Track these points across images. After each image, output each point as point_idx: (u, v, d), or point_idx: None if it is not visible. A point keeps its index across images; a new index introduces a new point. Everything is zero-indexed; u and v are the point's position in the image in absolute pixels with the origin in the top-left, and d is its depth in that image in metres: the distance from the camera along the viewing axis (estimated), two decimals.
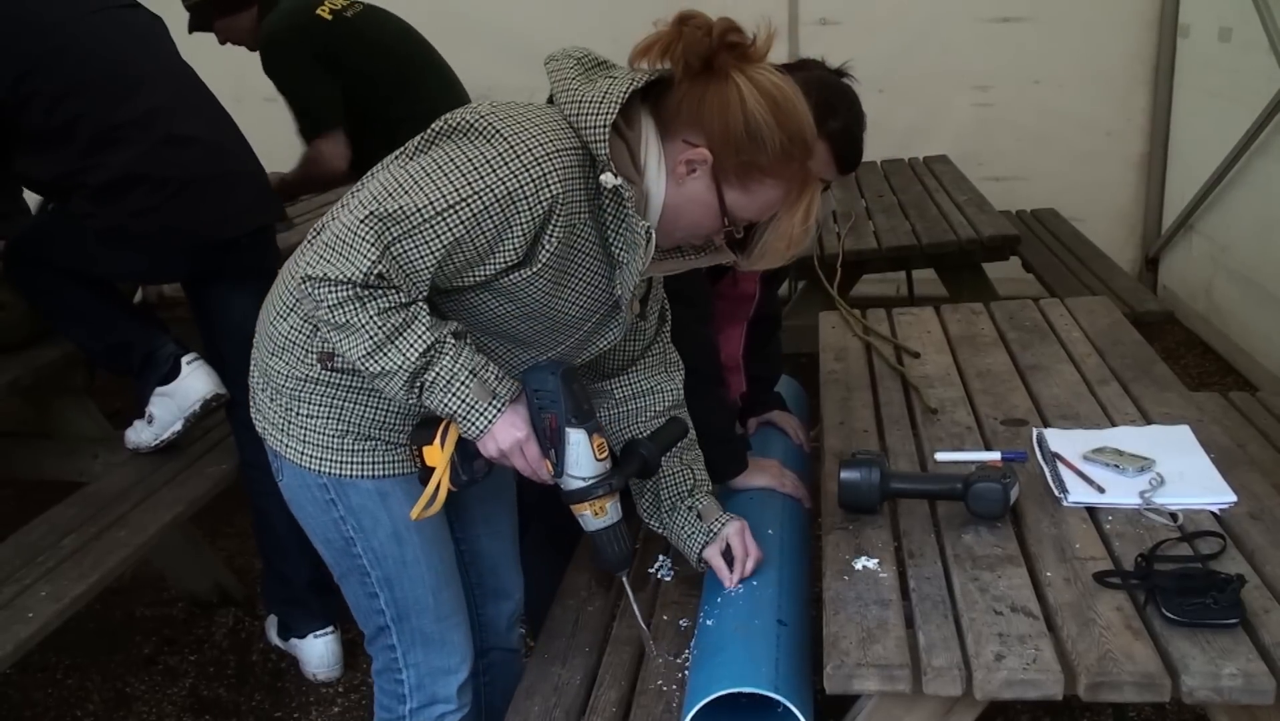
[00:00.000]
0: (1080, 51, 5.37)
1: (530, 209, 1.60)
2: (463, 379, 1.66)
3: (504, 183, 1.59)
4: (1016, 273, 4.70)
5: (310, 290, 1.59)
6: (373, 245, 1.57)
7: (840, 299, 3.33)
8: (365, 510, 1.82)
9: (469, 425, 1.70)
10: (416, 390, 1.65)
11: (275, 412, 1.82)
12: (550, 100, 1.70)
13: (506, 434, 1.71)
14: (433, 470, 1.76)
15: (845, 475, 2.06)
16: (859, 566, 1.92)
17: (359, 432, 1.79)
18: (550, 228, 1.63)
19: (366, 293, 1.58)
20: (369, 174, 1.72)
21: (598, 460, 1.76)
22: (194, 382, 2.83)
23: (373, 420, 1.80)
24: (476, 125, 1.62)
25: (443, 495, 1.76)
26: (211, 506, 2.98)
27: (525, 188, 1.59)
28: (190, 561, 3.48)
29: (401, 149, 1.71)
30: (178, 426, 2.90)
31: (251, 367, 1.88)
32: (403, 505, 1.82)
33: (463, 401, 1.67)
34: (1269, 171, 4.58)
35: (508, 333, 1.77)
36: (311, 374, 1.77)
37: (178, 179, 2.65)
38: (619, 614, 2.26)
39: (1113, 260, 4.74)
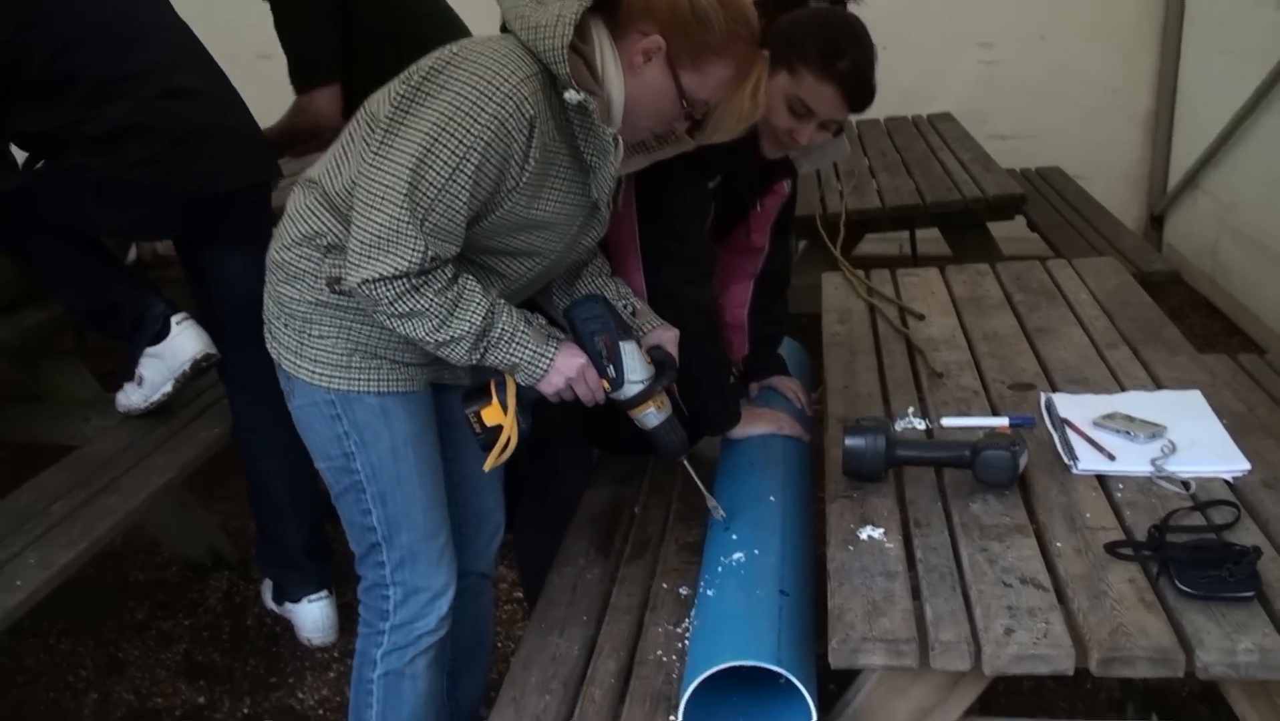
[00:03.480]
0: (1087, 7, 5.28)
1: (520, 131, 1.71)
2: (522, 329, 1.81)
3: (493, 118, 1.68)
4: (1021, 232, 4.63)
5: (369, 292, 1.71)
6: (415, 230, 1.69)
7: (843, 259, 3.28)
8: (368, 424, 1.90)
9: (534, 368, 1.83)
10: (480, 350, 1.79)
11: (289, 337, 1.91)
12: (504, 28, 1.80)
13: (569, 364, 1.84)
14: (495, 429, 1.88)
15: (850, 442, 2.02)
16: (864, 536, 1.88)
17: (366, 351, 1.88)
18: (531, 147, 1.73)
19: (421, 280, 1.71)
20: (362, 156, 1.78)
21: (647, 363, 1.93)
22: (183, 342, 2.78)
23: (379, 339, 1.89)
24: (445, 73, 1.71)
25: (511, 448, 1.87)
26: (205, 468, 2.94)
27: (511, 116, 1.69)
28: (184, 525, 3.44)
29: (370, 114, 1.81)
30: (168, 388, 2.84)
31: (265, 300, 1.96)
32: (402, 422, 1.92)
33: (525, 347, 1.81)
34: (1277, 129, 4.50)
35: (505, 248, 1.85)
36: (322, 298, 1.86)
37: (176, 131, 2.60)
38: (618, 581, 2.23)
39: (1118, 219, 4.67)
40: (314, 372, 1.91)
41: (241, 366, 2.80)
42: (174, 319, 2.78)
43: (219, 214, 2.73)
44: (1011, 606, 1.65)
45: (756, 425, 2.36)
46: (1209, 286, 5.05)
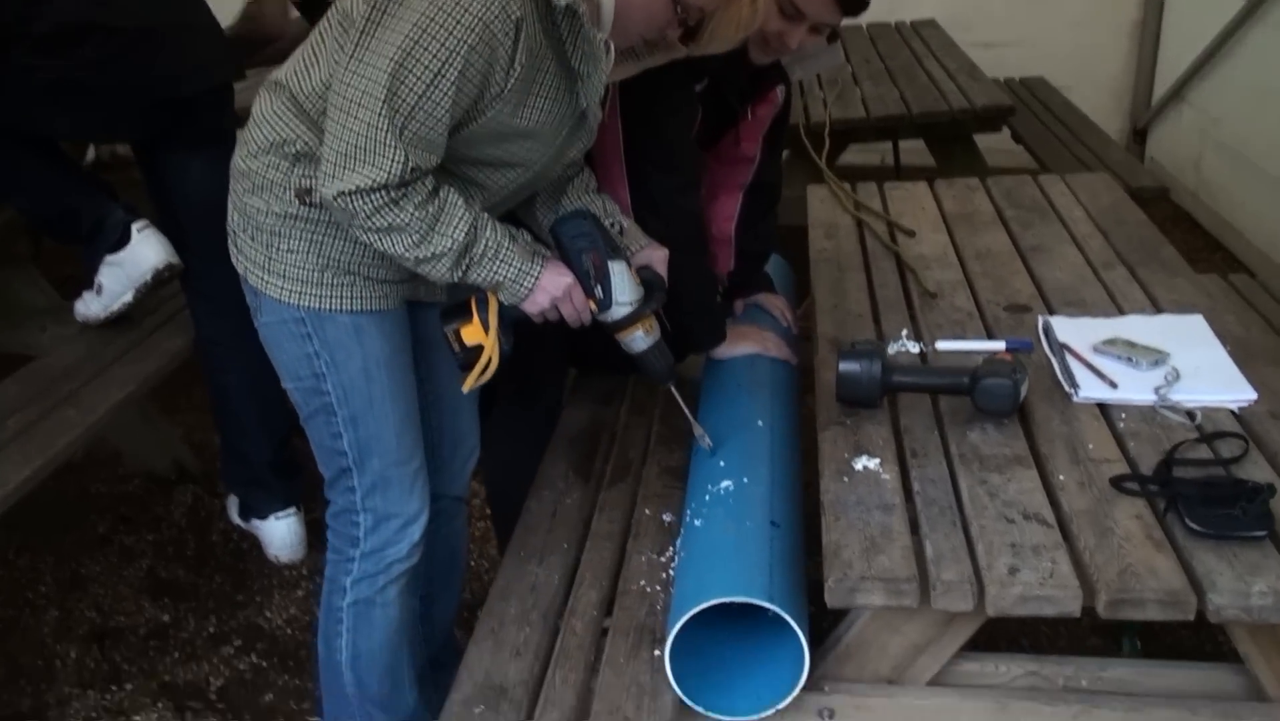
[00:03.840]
0: None
1: (505, 34, 1.61)
2: (507, 245, 1.74)
3: (477, 19, 1.59)
4: (1006, 144, 4.53)
5: (344, 205, 1.64)
6: (394, 140, 1.60)
7: (829, 171, 3.19)
8: (340, 344, 1.84)
9: (518, 286, 1.76)
10: (462, 268, 1.72)
11: (256, 251, 1.83)
12: None
13: (555, 282, 1.78)
14: (475, 349, 1.82)
15: (844, 367, 1.95)
16: (859, 466, 1.82)
17: (338, 267, 1.81)
18: (517, 52, 1.64)
19: (400, 192, 1.63)
20: (335, 58, 1.70)
21: (637, 284, 1.86)
22: (145, 251, 2.66)
23: (352, 255, 1.81)
24: None
25: (493, 369, 1.82)
26: (168, 379, 2.85)
27: (496, 19, 1.59)
28: (146, 437, 3.34)
29: (342, 12, 1.71)
30: (128, 297, 2.72)
31: (230, 210, 1.88)
32: (376, 341, 1.86)
33: (509, 265, 1.74)
34: (1265, 42, 4.40)
35: (487, 159, 1.78)
36: (290, 210, 1.79)
37: (133, 28, 2.45)
38: (598, 507, 2.17)
39: (1104, 132, 4.57)
40: (283, 289, 1.83)
41: (204, 276, 2.68)
42: (135, 226, 2.65)
43: (180, 117, 2.58)
44: (1015, 544, 1.59)
45: (742, 345, 2.30)
46: (1192, 202, 4.98)
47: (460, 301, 1.85)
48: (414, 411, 1.98)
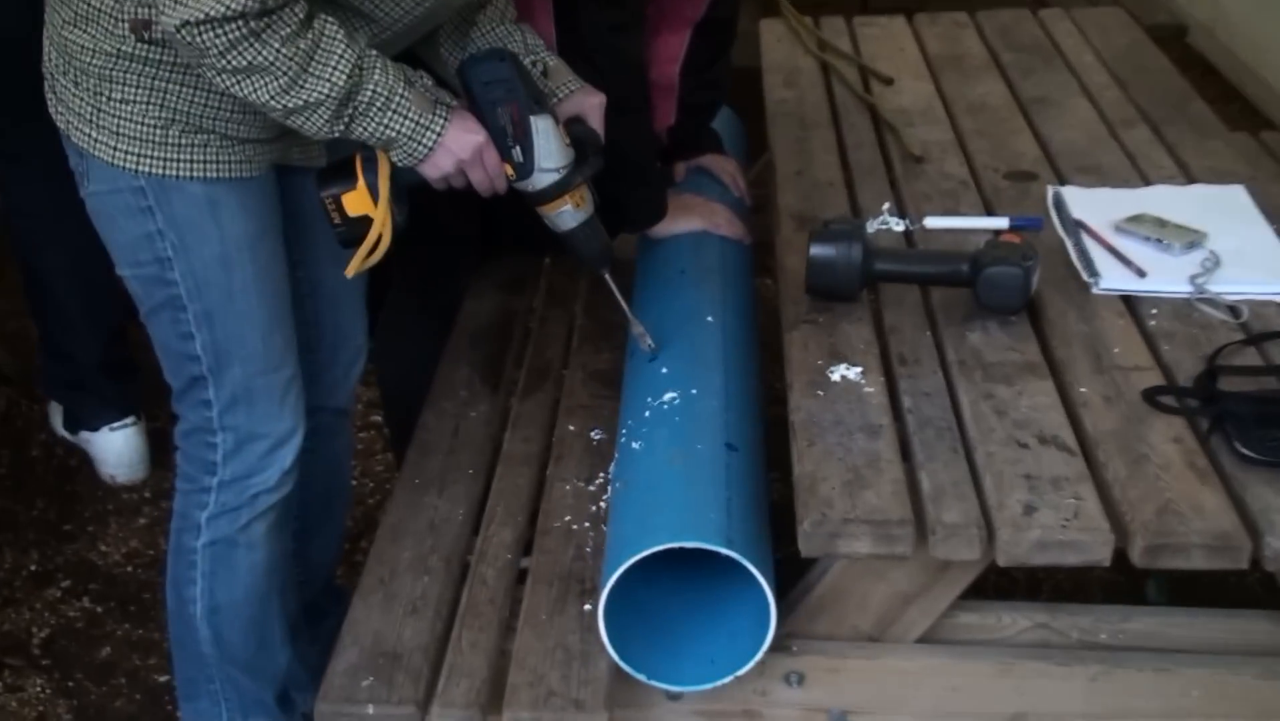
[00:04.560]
0: None
1: None
2: (401, 92, 1.66)
3: None
4: None
5: (191, 39, 1.55)
6: None
7: (787, 2, 3.10)
8: (190, 222, 1.78)
9: (416, 144, 1.71)
10: (345, 120, 1.65)
11: (81, 100, 1.75)
12: None
13: (463, 141, 1.73)
14: (361, 222, 1.76)
15: (817, 251, 1.89)
16: (836, 377, 1.76)
17: (187, 122, 1.73)
18: None
19: (262, 22, 1.55)
20: None
21: (566, 145, 1.80)
22: None
23: (204, 106, 1.73)
24: None
25: (383, 247, 1.76)
26: None
27: None
28: None
29: None
30: None
31: (45, 47, 1.80)
32: (236, 218, 1.79)
33: (405, 117, 1.67)
34: None
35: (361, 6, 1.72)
36: (125, 48, 1.69)
37: None
38: (511, 422, 2.13)
39: None
40: (116, 150, 1.73)
41: (8, 132, 2.57)
42: None
43: None
44: (1030, 475, 1.54)
45: (686, 220, 2.25)
46: (1207, 42, 4.93)
47: (342, 161, 1.77)
48: (286, 306, 1.90)
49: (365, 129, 1.66)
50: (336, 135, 1.67)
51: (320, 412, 2.08)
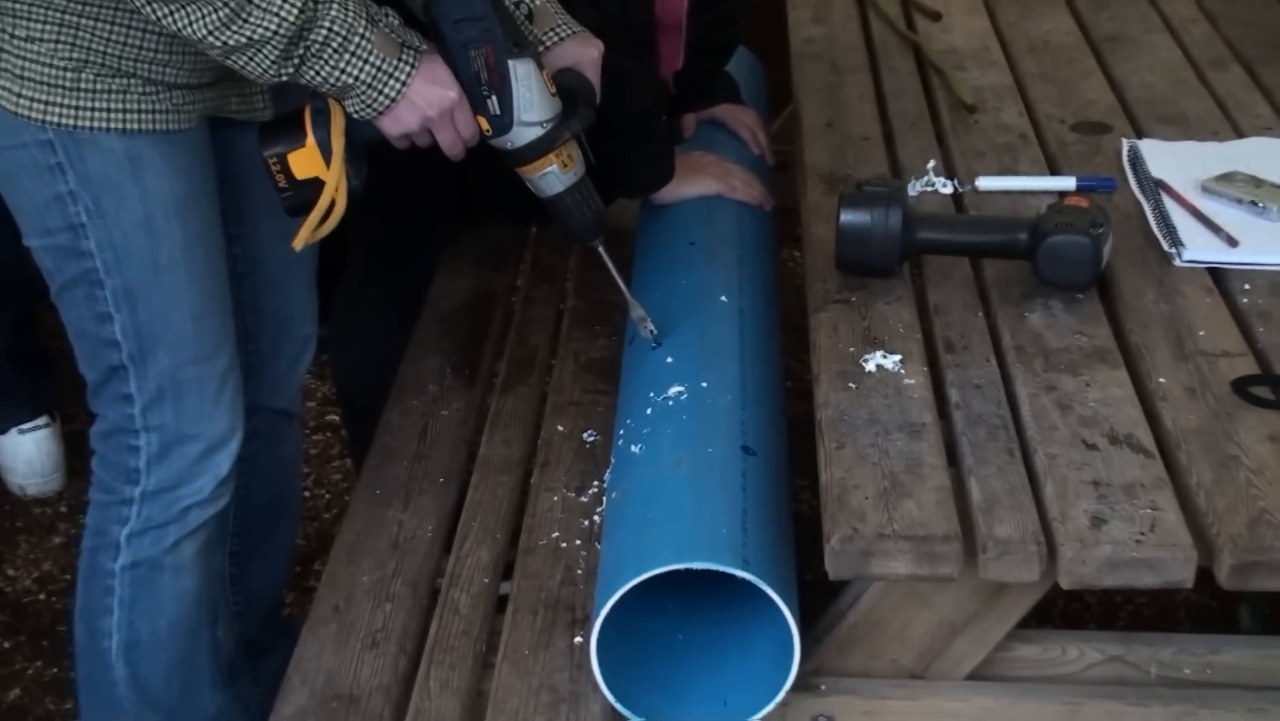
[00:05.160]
0: None
1: None
2: (361, 31, 1.67)
3: None
4: None
5: None
6: None
7: None
8: (107, 181, 1.78)
9: (375, 95, 1.72)
10: (294, 61, 1.66)
11: None
12: None
13: (431, 95, 1.74)
14: (311, 185, 1.77)
15: (849, 217, 1.90)
16: (871, 366, 1.77)
17: (104, 64, 1.73)
18: None
19: None
20: None
21: (551, 94, 1.81)
22: None
23: (125, 44, 1.73)
24: None
25: (337, 214, 1.77)
26: None
27: None
28: None
29: None
30: None
31: None
32: (162, 178, 1.80)
33: (366, 62, 1.69)
34: None
35: None
36: None
37: None
38: (490, 422, 2.16)
39: None
40: (20, 95, 1.73)
41: None
42: None
43: None
44: (1099, 481, 1.55)
45: (696, 183, 2.27)
46: None
47: (289, 115, 1.78)
48: (221, 282, 1.91)
49: (318, 73, 1.67)
50: (284, 79, 1.68)
51: (261, 414, 2.09)
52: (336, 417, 3.01)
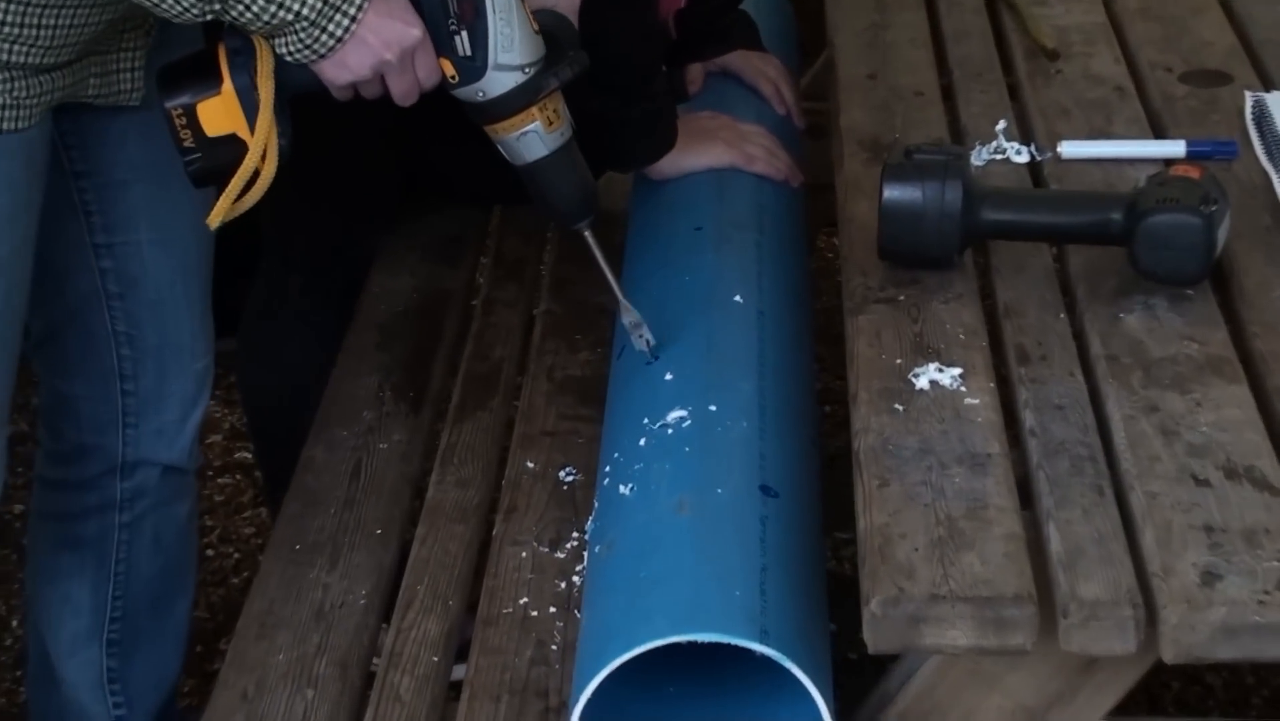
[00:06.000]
0: None
1: None
2: None
3: None
4: None
5: None
6: None
7: None
8: None
9: (319, 34, 1.73)
10: None
11: None
12: None
13: (388, 32, 1.76)
14: (227, 145, 1.78)
15: (895, 194, 1.92)
16: (922, 383, 1.78)
17: None
18: None
19: None
20: None
21: (533, 34, 1.83)
22: None
23: None
24: None
25: (263, 183, 1.79)
26: None
27: None
28: None
29: None
30: None
31: None
32: None
33: None
34: None
35: None
36: None
37: None
38: (440, 457, 2.17)
39: None
40: None
41: None
42: None
43: None
44: (1212, 526, 1.55)
45: (705, 151, 2.30)
46: None
47: (196, 55, 1.79)
48: (13, 325, 1.91)
49: (248, 8, 1.67)
50: (207, 18, 1.68)
51: (146, 469, 2.11)
52: (248, 455, 3.02)
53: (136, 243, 2.00)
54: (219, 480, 3.05)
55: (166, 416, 2.13)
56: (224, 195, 1.77)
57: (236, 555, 2.94)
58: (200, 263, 1.91)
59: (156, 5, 1.66)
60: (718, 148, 2.29)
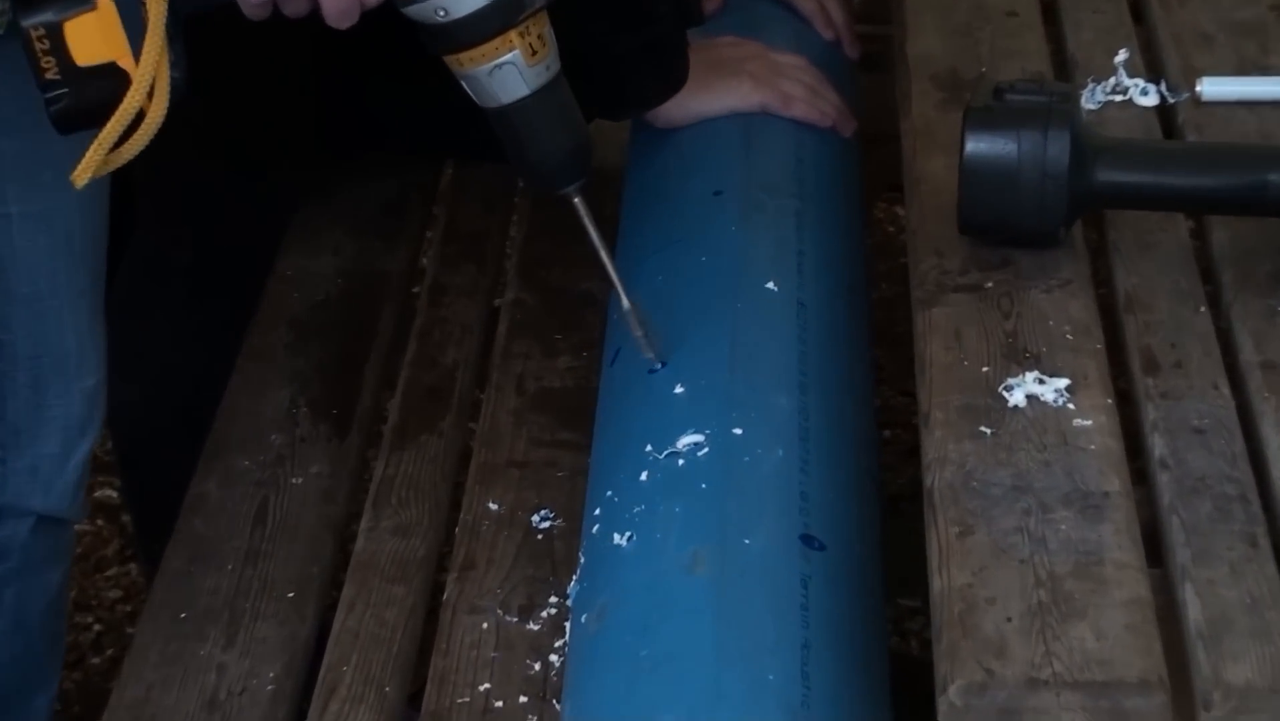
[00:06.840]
0: None
1: None
2: None
3: None
4: None
5: None
6: None
7: None
8: None
9: None
10: None
11: None
12: None
13: None
14: (102, 75, 1.77)
15: (980, 147, 1.93)
16: (1017, 398, 1.80)
17: None
18: None
19: None
20: None
21: None
22: None
23: None
24: None
25: (149, 128, 1.78)
26: None
27: None
28: None
29: None
30: None
31: None
32: None
33: None
34: None
35: None
36: None
37: None
38: (372, 496, 2.18)
39: None
40: None
41: None
42: None
43: None
44: None
45: (727, 92, 2.33)
46: None
47: None
48: None
49: None
50: None
51: (13, 519, 2.12)
52: (113, 492, 3.04)
53: (4, 216, 2.01)
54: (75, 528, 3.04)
55: (44, 449, 2.13)
56: (96, 143, 1.76)
57: (98, 626, 2.96)
58: (88, 245, 1.95)
59: None
60: (744, 85, 2.31)
